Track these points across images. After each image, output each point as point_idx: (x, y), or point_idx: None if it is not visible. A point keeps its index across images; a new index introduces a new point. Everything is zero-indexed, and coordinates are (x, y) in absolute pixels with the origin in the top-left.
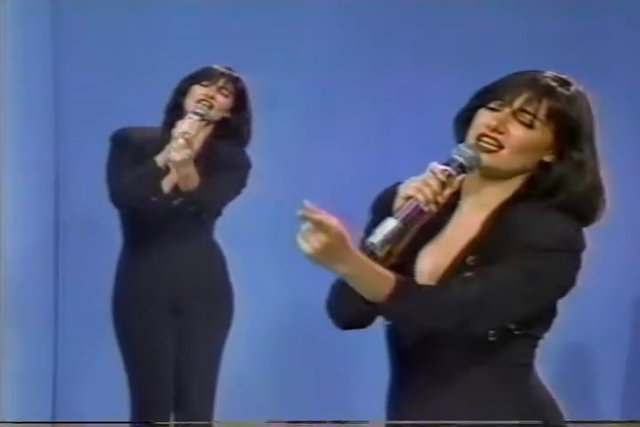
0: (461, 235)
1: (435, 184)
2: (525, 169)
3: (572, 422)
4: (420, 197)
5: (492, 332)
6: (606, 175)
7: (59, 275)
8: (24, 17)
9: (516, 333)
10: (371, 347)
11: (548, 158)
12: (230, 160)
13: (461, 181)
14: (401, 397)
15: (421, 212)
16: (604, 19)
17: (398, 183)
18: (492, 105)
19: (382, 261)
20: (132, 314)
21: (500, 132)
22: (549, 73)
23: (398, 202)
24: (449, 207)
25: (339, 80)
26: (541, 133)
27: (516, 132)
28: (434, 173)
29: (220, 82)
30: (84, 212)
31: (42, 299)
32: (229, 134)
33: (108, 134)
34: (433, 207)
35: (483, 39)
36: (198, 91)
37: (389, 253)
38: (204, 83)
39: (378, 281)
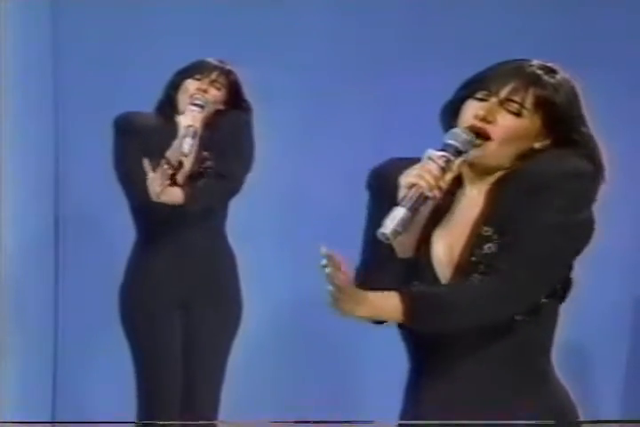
0: (470, 216)
1: (435, 170)
2: (517, 157)
3: (572, 422)
4: (422, 183)
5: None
6: (606, 175)
7: (59, 273)
8: (24, 14)
9: (543, 301)
10: (376, 345)
11: (538, 145)
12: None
13: (460, 165)
14: (420, 387)
15: (426, 198)
16: (595, 14)
17: (393, 159)
18: (478, 95)
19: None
20: (141, 310)
21: (489, 122)
22: (535, 61)
23: (402, 191)
24: (453, 194)
25: (337, 74)
26: (530, 121)
27: (505, 121)
28: (432, 159)
29: (213, 75)
30: (84, 208)
31: (42, 299)
32: (222, 125)
33: (108, 131)
34: (437, 193)
35: (481, 37)
36: (191, 85)
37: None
38: (197, 76)
39: (392, 309)
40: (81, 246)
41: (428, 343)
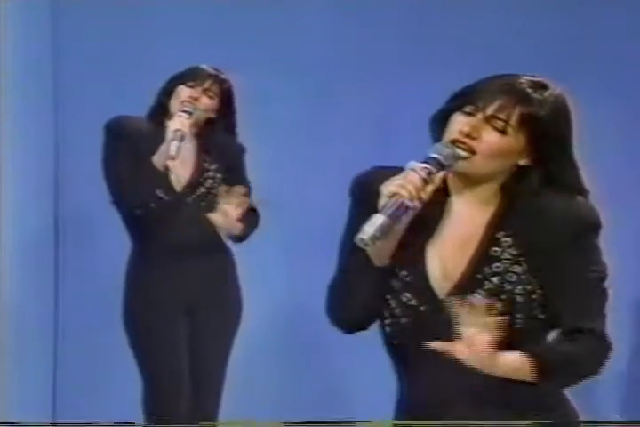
0: (463, 230)
1: (416, 180)
2: (501, 171)
3: (572, 422)
4: (404, 193)
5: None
6: (607, 176)
7: (58, 273)
8: (24, 14)
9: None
10: (373, 348)
11: (522, 162)
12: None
13: (442, 179)
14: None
15: (407, 208)
16: (595, 15)
17: (376, 168)
18: (466, 109)
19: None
20: (146, 316)
21: (473, 138)
22: (525, 77)
23: (383, 200)
24: (440, 206)
25: (335, 77)
26: (514, 139)
27: (489, 137)
28: (414, 170)
29: (206, 83)
30: (83, 208)
31: (42, 299)
32: (215, 134)
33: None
34: (417, 203)
35: (481, 37)
36: (183, 92)
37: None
38: (190, 84)
39: (522, 368)
40: (81, 246)
41: (414, 359)
